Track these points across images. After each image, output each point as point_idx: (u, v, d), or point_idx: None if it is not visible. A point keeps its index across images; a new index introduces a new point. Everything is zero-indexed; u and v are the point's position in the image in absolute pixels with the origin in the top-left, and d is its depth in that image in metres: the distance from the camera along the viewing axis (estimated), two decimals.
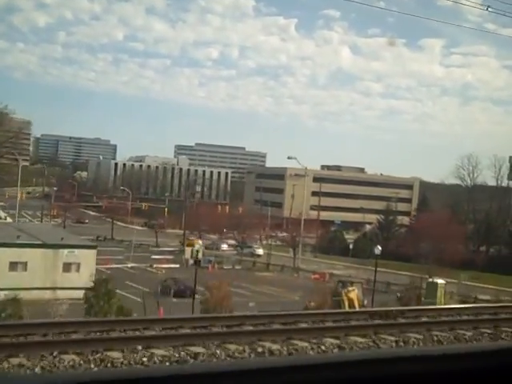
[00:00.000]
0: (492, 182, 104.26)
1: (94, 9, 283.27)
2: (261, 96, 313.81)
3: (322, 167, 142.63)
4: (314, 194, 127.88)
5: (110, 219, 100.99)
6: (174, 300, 41.31)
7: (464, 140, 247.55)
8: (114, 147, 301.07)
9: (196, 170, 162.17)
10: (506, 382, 1.99)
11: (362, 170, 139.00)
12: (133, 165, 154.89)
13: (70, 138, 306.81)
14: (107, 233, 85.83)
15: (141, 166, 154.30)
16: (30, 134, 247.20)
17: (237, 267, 64.65)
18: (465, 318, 17.21)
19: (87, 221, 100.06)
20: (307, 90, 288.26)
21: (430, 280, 48.79)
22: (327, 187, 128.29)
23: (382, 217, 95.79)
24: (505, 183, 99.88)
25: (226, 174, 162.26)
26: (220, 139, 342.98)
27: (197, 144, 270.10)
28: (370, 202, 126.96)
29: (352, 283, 40.05)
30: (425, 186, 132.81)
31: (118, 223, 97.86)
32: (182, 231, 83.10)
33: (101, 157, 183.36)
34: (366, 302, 38.52)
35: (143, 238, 79.71)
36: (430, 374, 1.89)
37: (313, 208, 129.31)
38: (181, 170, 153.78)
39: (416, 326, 15.31)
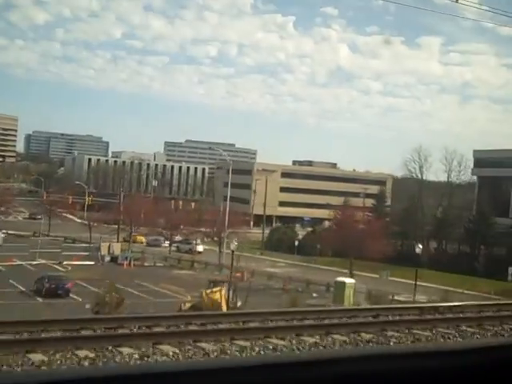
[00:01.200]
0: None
1: (91, 6, 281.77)
2: (260, 94, 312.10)
3: (294, 162, 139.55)
4: (283, 189, 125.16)
5: (69, 215, 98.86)
6: (40, 300, 38.64)
7: (463, 138, 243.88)
8: (107, 144, 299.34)
9: (172, 166, 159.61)
10: (494, 378, 2.00)
11: (334, 165, 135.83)
12: (107, 160, 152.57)
13: (62, 134, 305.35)
14: (53, 229, 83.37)
15: (115, 161, 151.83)
16: (16, 131, 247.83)
17: (159, 264, 61.78)
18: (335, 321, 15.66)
19: (40, 216, 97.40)
20: (306, 88, 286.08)
21: (338, 279, 45.76)
22: (297, 183, 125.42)
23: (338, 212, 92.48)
24: (462, 178, 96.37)
25: (203, 169, 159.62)
26: (218, 136, 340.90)
27: (187, 141, 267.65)
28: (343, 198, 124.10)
29: (223, 283, 36.96)
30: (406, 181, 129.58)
31: (70, 217, 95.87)
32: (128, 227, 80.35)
33: (75, 152, 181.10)
34: (239, 304, 35.35)
35: (81, 234, 77.08)
36: (422, 370, 1.91)
37: (282, 204, 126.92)
38: (156, 165, 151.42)
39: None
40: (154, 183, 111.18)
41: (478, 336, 14.67)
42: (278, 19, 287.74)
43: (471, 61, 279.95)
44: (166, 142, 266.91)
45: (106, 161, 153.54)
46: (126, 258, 58.18)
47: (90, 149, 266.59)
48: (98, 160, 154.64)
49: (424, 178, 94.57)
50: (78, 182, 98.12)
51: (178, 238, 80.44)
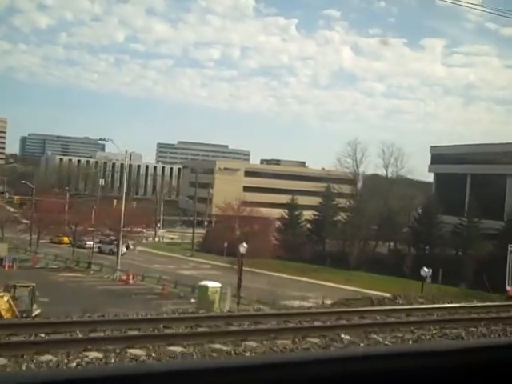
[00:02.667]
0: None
1: (94, 10, 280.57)
2: (263, 96, 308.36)
3: (262, 161, 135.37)
4: (247, 189, 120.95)
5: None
6: None
7: (466, 139, 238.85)
8: (102, 146, 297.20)
9: (147, 166, 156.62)
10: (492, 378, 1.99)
11: (302, 163, 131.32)
12: (79, 161, 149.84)
13: (58, 137, 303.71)
14: None
15: (87, 161, 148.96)
16: (4, 133, 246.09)
17: (53, 266, 58.15)
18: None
19: None
20: (310, 90, 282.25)
21: (202, 283, 41.36)
22: (263, 182, 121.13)
23: (286, 212, 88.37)
24: (399, 174, 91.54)
25: (179, 169, 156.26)
26: (219, 139, 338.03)
27: (179, 142, 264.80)
28: (312, 197, 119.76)
29: (26, 287, 32.70)
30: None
31: None
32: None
33: (49, 153, 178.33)
34: (37, 312, 30.97)
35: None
36: (428, 369, 1.91)
37: (246, 204, 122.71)
38: (130, 166, 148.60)
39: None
40: (101, 182, 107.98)
41: None
42: (281, 22, 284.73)
43: (474, 62, 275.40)
44: (158, 144, 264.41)
45: (78, 161, 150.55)
46: (14, 260, 54.65)
47: (85, 151, 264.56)
48: (70, 160, 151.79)
49: (360, 172, 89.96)
50: (23, 182, 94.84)
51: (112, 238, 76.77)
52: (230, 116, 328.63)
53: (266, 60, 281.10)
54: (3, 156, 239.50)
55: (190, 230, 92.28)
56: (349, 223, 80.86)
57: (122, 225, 58.59)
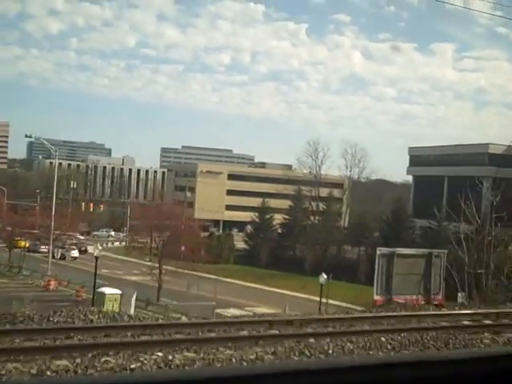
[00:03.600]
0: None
1: (105, 15, 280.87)
2: (274, 101, 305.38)
3: (249, 165, 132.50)
4: (230, 192, 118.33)
5: None
6: None
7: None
8: (109, 151, 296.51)
9: (138, 170, 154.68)
10: None
11: (289, 167, 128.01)
12: (69, 164, 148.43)
13: (64, 141, 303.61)
14: None
15: (78, 165, 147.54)
16: (7, 137, 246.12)
17: None
18: None
19: None
20: (320, 95, 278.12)
21: (99, 290, 38.69)
22: (247, 186, 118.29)
23: (257, 215, 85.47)
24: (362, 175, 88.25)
25: (163, 173, 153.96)
26: (228, 144, 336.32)
27: (183, 147, 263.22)
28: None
29: None
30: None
31: None
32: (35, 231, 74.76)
33: (40, 156, 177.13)
34: None
35: None
36: (428, 378, 1.92)
37: (229, 208, 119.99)
38: (113, 169, 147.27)
39: None
40: (73, 185, 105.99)
41: None
42: (291, 27, 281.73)
43: (485, 67, 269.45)
44: (162, 148, 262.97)
45: (69, 165, 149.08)
46: None
47: (91, 155, 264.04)
48: (60, 164, 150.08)
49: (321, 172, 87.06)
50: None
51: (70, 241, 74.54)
52: (240, 121, 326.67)
53: (277, 65, 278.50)
54: (5, 161, 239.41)
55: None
56: (316, 227, 77.90)
57: (52, 228, 56.10)
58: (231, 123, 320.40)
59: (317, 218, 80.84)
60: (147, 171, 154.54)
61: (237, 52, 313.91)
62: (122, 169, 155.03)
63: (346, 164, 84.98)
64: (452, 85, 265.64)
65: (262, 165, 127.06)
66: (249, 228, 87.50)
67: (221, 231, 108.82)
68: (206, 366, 10.65)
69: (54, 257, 68.97)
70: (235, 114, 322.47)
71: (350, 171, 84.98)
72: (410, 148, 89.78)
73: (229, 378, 1.68)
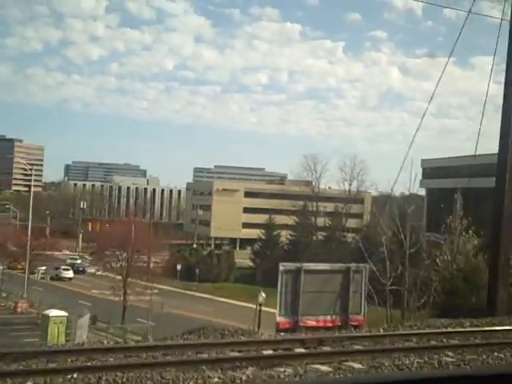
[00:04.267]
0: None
1: (144, 39, 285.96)
2: (312, 119, 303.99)
3: (267, 182, 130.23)
4: (247, 210, 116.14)
5: None
6: None
7: None
8: (144, 172, 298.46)
9: (162, 190, 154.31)
10: None
11: (309, 183, 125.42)
12: (84, 185, 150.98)
13: (100, 164, 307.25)
14: None
15: (84, 185, 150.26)
16: (42, 160, 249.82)
17: None
18: None
19: None
20: (357, 112, 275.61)
21: (45, 312, 36.77)
22: (264, 203, 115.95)
23: (263, 232, 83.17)
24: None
25: (179, 192, 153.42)
26: (264, 163, 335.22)
27: (216, 166, 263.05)
28: (319, 218, 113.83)
29: None
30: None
31: None
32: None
33: (65, 178, 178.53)
34: None
35: None
36: None
37: (246, 226, 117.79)
38: (136, 189, 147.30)
39: None
40: (83, 205, 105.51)
41: None
42: (327, 45, 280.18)
43: None
44: (194, 168, 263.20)
45: (84, 185, 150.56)
46: None
47: (126, 177, 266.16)
48: (84, 185, 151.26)
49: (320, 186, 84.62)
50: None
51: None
52: (277, 140, 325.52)
53: (314, 83, 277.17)
54: (40, 184, 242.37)
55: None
56: (321, 243, 75.29)
57: (28, 248, 54.70)
58: (268, 142, 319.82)
59: (322, 234, 78.12)
60: (171, 191, 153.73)
61: (274, 71, 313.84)
62: (145, 188, 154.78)
63: (345, 176, 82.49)
64: (492, 98, 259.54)
65: (281, 181, 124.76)
66: (256, 246, 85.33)
67: (238, 249, 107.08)
68: None
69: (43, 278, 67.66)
70: (273, 133, 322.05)
71: (350, 184, 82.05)
72: (422, 160, 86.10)
73: None
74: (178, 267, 68.35)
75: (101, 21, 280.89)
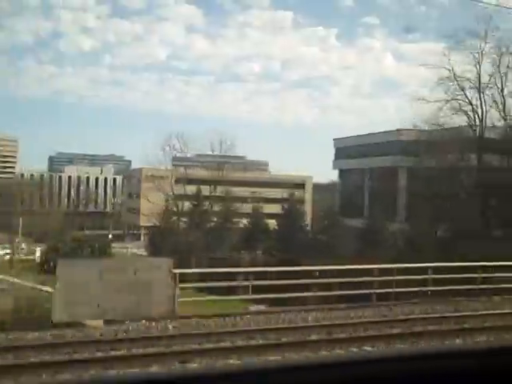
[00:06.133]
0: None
1: (135, 30, 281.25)
2: (307, 107, 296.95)
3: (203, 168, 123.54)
4: (180, 197, 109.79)
5: None
6: None
7: None
8: (129, 163, 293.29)
9: (97, 178, 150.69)
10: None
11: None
12: (32, 175, 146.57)
13: (85, 155, 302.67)
14: None
15: (60, 177, 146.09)
16: (16, 152, 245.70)
17: None
18: None
19: None
20: (352, 99, 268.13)
21: None
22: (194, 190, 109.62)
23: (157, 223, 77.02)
24: None
25: (114, 179, 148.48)
26: (257, 152, 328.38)
27: (196, 155, 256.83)
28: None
29: None
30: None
31: None
32: None
33: (23, 168, 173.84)
34: None
35: None
36: (426, 372, 1.90)
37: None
38: (78, 178, 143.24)
39: None
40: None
41: None
42: (320, 32, 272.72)
43: None
44: (173, 157, 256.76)
45: (31, 175, 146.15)
46: None
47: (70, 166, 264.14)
48: (31, 175, 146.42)
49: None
50: None
51: None
52: (272, 129, 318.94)
53: (307, 71, 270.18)
54: (11, 176, 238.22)
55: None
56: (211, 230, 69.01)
57: None
58: (263, 131, 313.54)
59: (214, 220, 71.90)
60: (114, 179, 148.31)
61: (267, 60, 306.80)
62: (88, 178, 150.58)
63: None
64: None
65: (220, 167, 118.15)
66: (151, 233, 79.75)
67: None
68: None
69: None
70: (268, 122, 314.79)
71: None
72: (334, 140, 79.47)
73: (217, 375, 1.66)
74: (37, 258, 62.40)
75: (91, 12, 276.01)
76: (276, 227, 67.85)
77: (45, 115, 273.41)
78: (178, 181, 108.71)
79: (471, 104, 53.53)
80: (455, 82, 53.32)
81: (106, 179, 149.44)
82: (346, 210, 70.13)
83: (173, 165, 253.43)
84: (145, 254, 76.53)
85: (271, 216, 74.35)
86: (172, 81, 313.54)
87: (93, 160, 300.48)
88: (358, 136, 74.08)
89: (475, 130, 53.38)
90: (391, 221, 60.31)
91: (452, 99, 53.11)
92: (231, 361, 12.26)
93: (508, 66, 53.26)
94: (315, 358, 8.76)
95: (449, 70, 53.26)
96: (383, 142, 67.53)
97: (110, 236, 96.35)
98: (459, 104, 53.44)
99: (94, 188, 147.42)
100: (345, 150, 75.48)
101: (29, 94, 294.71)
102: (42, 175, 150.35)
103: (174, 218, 77.41)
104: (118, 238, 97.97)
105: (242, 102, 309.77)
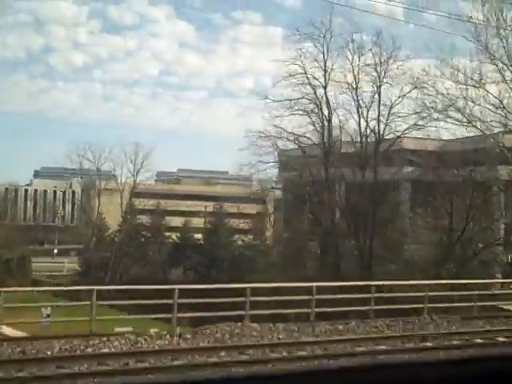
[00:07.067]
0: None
1: (127, 45, 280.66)
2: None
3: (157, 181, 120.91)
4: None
5: None
6: None
7: None
8: (115, 177, 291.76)
9: (55, 191, 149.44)
10: None
11: (207, 181, 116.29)
12: (16, 190, 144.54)
13: (65, 169, 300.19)
14: None
15: (26, 190, 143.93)
16: None
17: None
18: None
19: None
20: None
21: None
22: (153, 204, 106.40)
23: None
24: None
25: (63, 192, 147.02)
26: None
27: (179, 170, 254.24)
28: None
29: None
30: None
31: None
32: None
33: None
34: None
35: None
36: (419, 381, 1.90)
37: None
38: (35, 191, 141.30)
39: None
40: None
41: None
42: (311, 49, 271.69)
43: None
44: (157, 172, 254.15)
45: (6, 189, 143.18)
46: None
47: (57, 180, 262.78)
48: (6, 189, 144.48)
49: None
50: None
51: None
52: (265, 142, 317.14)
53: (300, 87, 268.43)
54: None
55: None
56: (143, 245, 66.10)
57: None
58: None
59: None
60: (73, 192, 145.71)
61: (258, 76, 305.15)
62: (45, 190, 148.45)
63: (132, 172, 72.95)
64: None
65: (177, 180, 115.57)
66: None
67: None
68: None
69: None
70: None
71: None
72: (279, 152, 76.17)
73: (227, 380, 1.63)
74: None
75: (83, 27, 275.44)
76: (201, 242, 64.82)
77: (34, 129, 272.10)
78: (137, 195, 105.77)
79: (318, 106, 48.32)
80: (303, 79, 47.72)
81: (73, 192, 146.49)
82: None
83: (156, 180, 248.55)
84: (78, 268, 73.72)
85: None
86: (164, 96, 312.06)
87: (74, 174, 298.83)
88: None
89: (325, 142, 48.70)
90: None
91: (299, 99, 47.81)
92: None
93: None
94: (321, 364, 9.05)
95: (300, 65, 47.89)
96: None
97: (55, 251, 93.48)
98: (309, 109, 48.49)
99: (60, 202, 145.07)
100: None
101: (18, 108, 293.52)
102: (6, 188, 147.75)
103: (110, 231, 74.27)
104: (65, 253, 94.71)
105: (235, 117, 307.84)
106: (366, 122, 46.66)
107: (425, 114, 43.38)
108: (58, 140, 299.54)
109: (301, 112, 48.08)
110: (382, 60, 46.16)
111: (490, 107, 37.05)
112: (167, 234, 69.02)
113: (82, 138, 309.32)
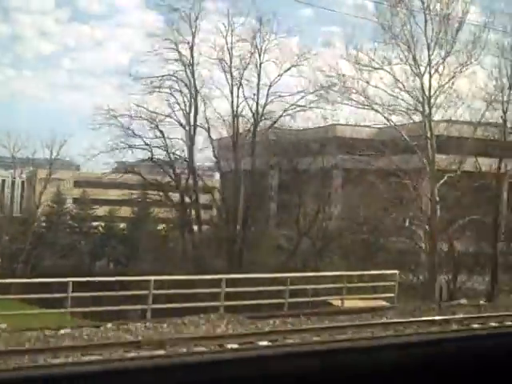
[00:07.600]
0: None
1: (95, 35, 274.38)
2: None
3: (114, 171, 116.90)
4: (77, 201, 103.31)
5: None
6: None
7: None
8: (78, 166, 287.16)
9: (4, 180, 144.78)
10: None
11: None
12: None
13: (29, 158, 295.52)
14: None
15: None
16: None
17: None
18: None
19: None
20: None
21: None
22: (99, 193, 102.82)
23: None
24: None
25: (23, 183, 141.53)
26: None
27: (140, 160, 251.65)
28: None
29: None
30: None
31: None
32: None
33: None
34: None
35: None
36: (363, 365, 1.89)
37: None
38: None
39: None
40: None
41: None
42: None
43: None
44: (118, 162, 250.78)
45: None
46: None
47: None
48: None
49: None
50: None
51: None
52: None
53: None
54: None
55: None
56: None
57: None
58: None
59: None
60: (23, 182, 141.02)
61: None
62: (14, 181, 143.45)
63: None
64: None
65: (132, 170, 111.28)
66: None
67: None
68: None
69: None
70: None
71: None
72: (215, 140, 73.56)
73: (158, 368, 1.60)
74: None
75: (50, 15, 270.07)
76: (125, 232, 61.91)
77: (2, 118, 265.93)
78: (78, 184, 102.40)
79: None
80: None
81: (13, 182, 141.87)
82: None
83: (114, 170, 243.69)
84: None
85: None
86: (133, 86, 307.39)
87: (36, 164, 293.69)
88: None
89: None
90: None
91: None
92: None
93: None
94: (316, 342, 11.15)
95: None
96: None
97: None
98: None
99: None
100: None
101: None
102: None
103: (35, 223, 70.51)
104: None
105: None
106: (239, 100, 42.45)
107: (315, 94, 38.65)
108: (25, 128, 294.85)
109: (165, 90, 43.03)
110: (261, 35, 41.07)
111: (389, 90, 34.35)
112: (95, 223, 65.87)
113: (50, 127, 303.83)
